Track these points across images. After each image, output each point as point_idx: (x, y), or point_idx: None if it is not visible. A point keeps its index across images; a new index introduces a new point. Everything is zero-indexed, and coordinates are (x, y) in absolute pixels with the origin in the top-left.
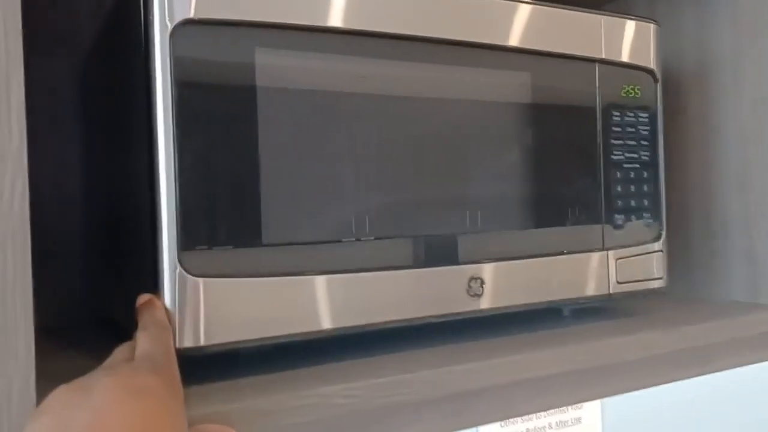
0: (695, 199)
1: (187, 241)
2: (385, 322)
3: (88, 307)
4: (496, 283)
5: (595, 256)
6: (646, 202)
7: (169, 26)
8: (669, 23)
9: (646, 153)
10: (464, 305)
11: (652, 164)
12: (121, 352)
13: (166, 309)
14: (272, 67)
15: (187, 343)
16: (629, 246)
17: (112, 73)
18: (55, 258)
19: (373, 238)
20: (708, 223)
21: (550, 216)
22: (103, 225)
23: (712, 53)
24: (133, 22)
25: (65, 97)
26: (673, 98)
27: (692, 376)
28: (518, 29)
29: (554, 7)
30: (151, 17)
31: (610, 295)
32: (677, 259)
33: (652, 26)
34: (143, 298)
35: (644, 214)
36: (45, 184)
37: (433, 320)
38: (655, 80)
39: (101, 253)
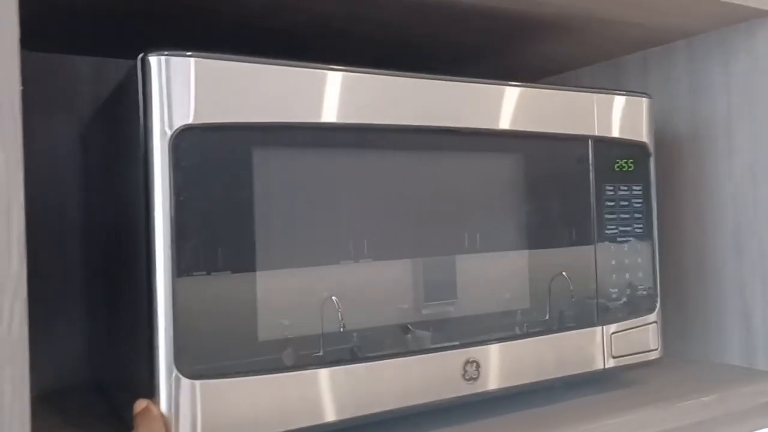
0: (690, 261)
1: (182, 345)
2: (383, 412)
3: (88, 371)
4: (492, 366)
5: (590, 332)
6: (640, 275)
7: (168, 133)
8: (663, 89)
9: (639, 226)
10: (460, 389)
11: (646, 236)
12: None
13: (162, 416)
14: (269, 165)
15: None
16: (624, 320)
17: (111, 153)
18: (55, 322)
19: (369, 326)
20: (703, 285)
21: (544, 293)
22: (103, 296)
23: (705, 119)
24: (132, 125)
25: (64, 155)
26: (667, 162)
27: None
28: (509, 112)
29: (545, 88)
30: (150, 124)
31: (604, 370)
32: (673, 320)
33: (644, 100)
34: (140, 405)
35: (639, 287)
36: (46, 246)
37: (432, 407)
38: (648, 153)
39: (102, 321)
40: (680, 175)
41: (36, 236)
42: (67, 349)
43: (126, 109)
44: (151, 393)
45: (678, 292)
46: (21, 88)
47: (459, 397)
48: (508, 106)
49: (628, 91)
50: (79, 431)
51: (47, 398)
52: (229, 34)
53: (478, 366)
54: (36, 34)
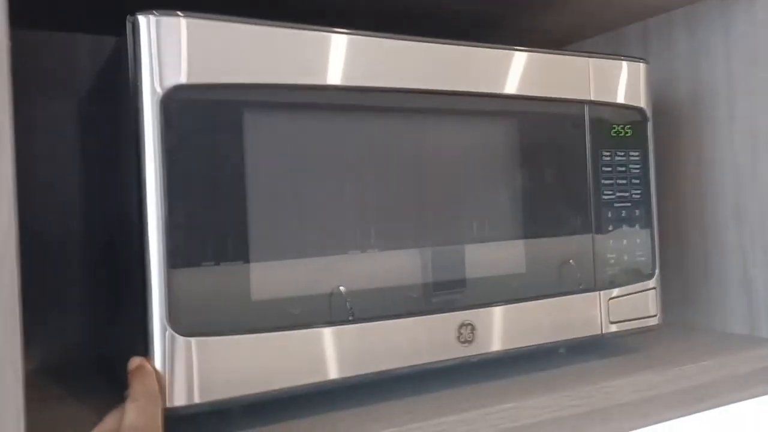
0: (691, 229)
1: (175, 302)
2: (379, 372)
3: (90, 344)
4: (488, 329)
5: (587, 297)
6: (638, 241)
7: (159, 92)
8: (662, 54)
9: (637, 191)
10: (455, 352)
11: (643, 202)
12: (110, 420)
13: (156, 372)
14: (261, 123)
15: (180, 401)
16: (622, 285)
17: (106, 122)
18: (56, 296)
19: (367, 288)
20: (704, 254)
21: (540, 258)
22: (101, 267)
23: (705, 84)
24: (124, 87)
25: (64, 134)
26: (666, 129)
27: (687, 415)
28: (504, 76)
29: (541, 52)
30: (140, 84)
31: (602, 335)
32: (674, 289)
33: (641, 65)
34: (134, 362)
35: (637, 253)
36: (48, 219)
37: (426, 368)
38: (646, 119)
39: (101, 293)
40: (681, 144)
41: (38, 215)
42: (70, 324)
43: (118, 74)
44: (145, 351)
45: (679, 261)
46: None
47: (453, 359)
48: (505, 69)
49: (625, 56)
50: (79, 400)
51: (50, 371)
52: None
53: (473, 329)
54: (33, 11)
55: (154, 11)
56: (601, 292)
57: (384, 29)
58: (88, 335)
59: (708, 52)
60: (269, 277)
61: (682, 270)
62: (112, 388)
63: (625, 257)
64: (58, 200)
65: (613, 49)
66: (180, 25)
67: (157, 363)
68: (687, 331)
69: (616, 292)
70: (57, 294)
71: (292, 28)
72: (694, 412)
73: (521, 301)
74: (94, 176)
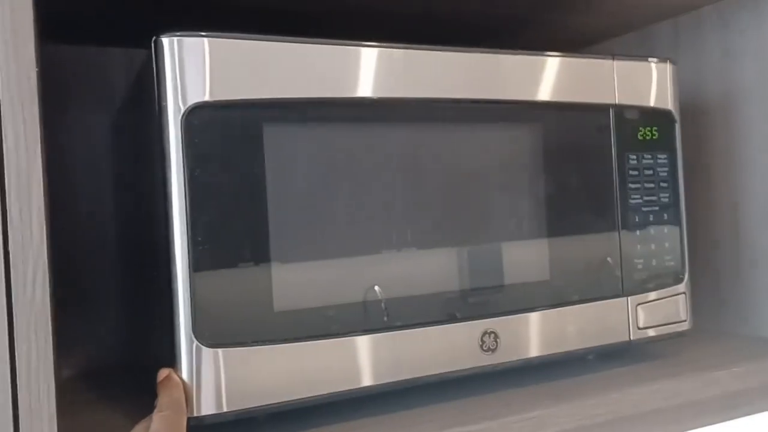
0: (724, 234)
1: (200, 313)
2: (397, 382)
3: (124, 351)
4: (511, 337)
5: (614, 303)
6: (667, 245)
7: (182, 109)
8: (693, 52)
9: (665, 195)
10: (478, 360)
11: (672, 205)
12: (138, 429)
13: (183, 383)
14: (280, 139)
15: (208, 410)
16: (650, 290)
17: (136, 135)
18: (91, 302)
19: (384, 297)
20: (737, 259)
21: (565, 264)
22: (132, 277)
23: (737, 83)
24: (150, 106)
25: (100, 146)
26: (697, 130)
27: (718, 422)
28: (526, 82)
29: (564, 56)
30: (164, 103)
31: (630, 342)
32: (707, 294)
33: (668, 66)
34: (162, 373)
35: (665, 257)
36: (86, 229)
37: (448, 376)
38: (673, 120)
39: (133, 303)
40: (712, 145)
41: (76, 227)
42: (105, 333)
43: (144, 93)
44: (173, 362)
45: (711, 266)
46: (37, 70)
47: (477, 368)
48: (528, 75)
49: (651, 57)
50: (110, 406)
51: (86, 377)
52: (251, 20)
53: (496, 337)
54: (69, 26)
55: (176, 32)
56: (629, 298)
57: (409, 33)
58: (121, 343)
59: (739, 50)
60: (291, 291)
61: (714, 274)
62: (143, 394)
63: (654, 262)
64: (96, 212)
65: (643, 47)
66: (201, 45)
67: (184, 373)
68: (719, 336)
69: (644, 297)
70: (94, 303)
71: (309, 43)
72: (726, 420)
73: (546, 308)
74: (125, 188)
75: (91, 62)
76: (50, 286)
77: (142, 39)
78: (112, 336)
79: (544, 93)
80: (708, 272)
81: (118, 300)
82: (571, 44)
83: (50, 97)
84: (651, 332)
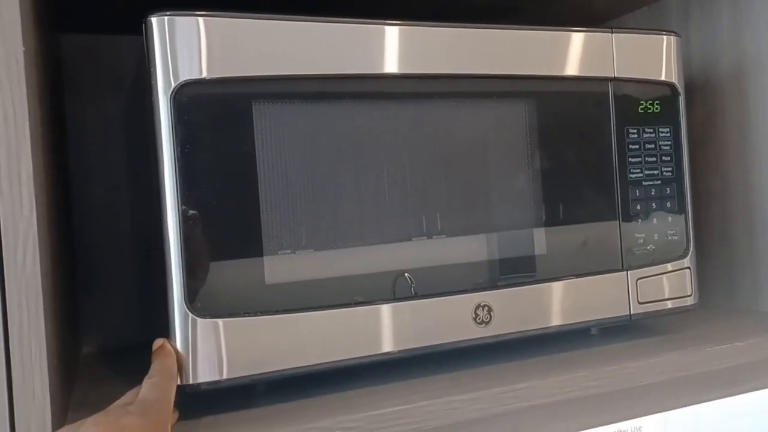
0: (737, 207)
1: (193, 286)
2: (388, 353)
3: (140, 329)
4: (505, 310)
5: (612, 277)
6: (669, 219)
7: (172, 85)
8: (704, 26)
9: (668, 169)
10: (471, 333)
11: (675, 180)
12: (129, 394)
13: (177, 352)
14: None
15: (204, 378)
16: (652, 265)
17: (138, 120)
18: (111, 285)
19: (380, 270)
20: (751, 233)
21: (563, 239)
22: (145, 258)
23: (749, 54)
24: (144, 86)
25: (114, 133)
26: (710, 103)
27: (720, 398)
28: (523, 56)
29: (559, 30)
30: (155, 81)
31: (630, 316)
32: (719, 270)
33: (672, 38)
34: (157, 343)
35: (668, 232)
36: (105, 214)
37: (441, 348)
38: (677, 93)
39: (146, 283)
40: (725, 118)
41: (92, 213)
42: (123, 313)
43: (140, 76)
44: (167, 332)
45: (724, 241)
46: (23, 49)
47: (470, 341)
48: (523, 50)
49: (652, 30)
50: (125, 380)
51: (103, 355)
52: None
53: (489, 310)
54: (82, 15)
55: (166, 12)
56: (629, 272)
57: (407, 11)
58: (138, 323)
59: (751, 21)
60: (282, 264)
61: (728, 250)
62: None
63: (656, 236)
64: (114, 197)
65: (655, 21)
66: (187, 24)
67: (178, 343)
68: (729, 312)
69: (645, 271)
70: (114, 286)
71: (299, 20)
72: (728, 395)
73: (540, 282)
74: (133, 171)
75: (104, 49)
76: (46, 258)
77: None
78: (130, 316)
79: (538, 67)
80: (722, 248)
81: (135, 282)
82: (581, 21)
83: (67, 86)
84: (653, 307)
